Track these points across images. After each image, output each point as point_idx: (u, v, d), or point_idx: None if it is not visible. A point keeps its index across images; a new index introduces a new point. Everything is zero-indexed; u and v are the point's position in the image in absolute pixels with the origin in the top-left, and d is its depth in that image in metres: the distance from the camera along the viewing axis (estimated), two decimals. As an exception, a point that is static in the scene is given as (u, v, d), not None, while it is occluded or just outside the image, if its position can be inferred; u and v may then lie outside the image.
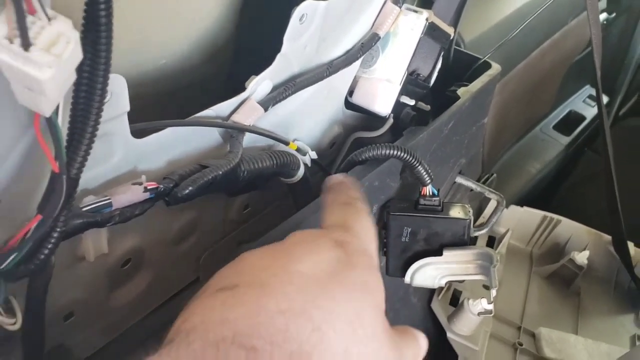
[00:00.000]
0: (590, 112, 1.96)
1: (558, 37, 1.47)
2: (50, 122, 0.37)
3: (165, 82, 0.63)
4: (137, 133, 0.53)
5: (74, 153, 0.40)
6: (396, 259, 0.78)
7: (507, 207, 1.26)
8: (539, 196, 1.71)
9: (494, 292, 0.72)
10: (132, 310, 0.63)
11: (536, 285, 1.21)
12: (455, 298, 1.09)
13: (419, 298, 1.04)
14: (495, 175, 1.21)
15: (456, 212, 0.75)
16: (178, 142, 0.58)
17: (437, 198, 0.75)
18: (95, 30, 0.36)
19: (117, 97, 0.47)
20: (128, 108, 0.49)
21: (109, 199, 0.51)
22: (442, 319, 1.03)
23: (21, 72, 0.32)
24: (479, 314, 0.93)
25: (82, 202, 0.50)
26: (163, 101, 0.63)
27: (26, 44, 0.31)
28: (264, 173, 0.64)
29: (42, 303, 0.48)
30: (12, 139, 0.40)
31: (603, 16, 1.80)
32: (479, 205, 1.19)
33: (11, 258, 0.40)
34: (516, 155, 1.68)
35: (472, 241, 1.19)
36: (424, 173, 0.73)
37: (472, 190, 1.06)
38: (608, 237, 1.22)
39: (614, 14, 1.85)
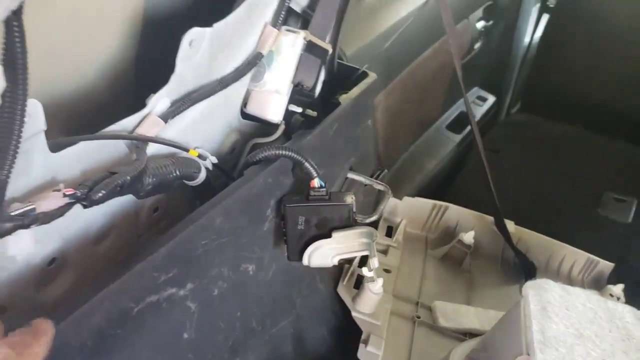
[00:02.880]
0: (478, 111, 2.17)
1: (438, 46, 1.65)
2: (-20, 137, 0.47)
3: (77, 104, 0.72)
4: (54, 147, 0.63)
5: (2, 162, 0.49)
6: (295, 245, 0.90)
7: (400, 199, 1.41)
8: (436, 189, 1.88)
9: (374, 261, 0.84)
10: (60, 308, 0.71)
11: (432, 266, 1.36)
12: (358, 282, 1.22)
13: (325, 284, 1.16)
14: (386, 170, 1.36)
15: (341, 199, 0.88)
16: (90, 154, 0.68)
17: (324, 189, 0.87)
18: (13, 65, 0.46)
19: (34, 118, 0.57)
20: (44, 127, 0.59)
21: (33, 205, 0.60)
22: (347, 300, 1.15)
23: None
24: (367, 281, 1.04)
25: (10, 208, 0.59)
26: (75, 120, 0.73)
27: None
28: (168, 177, 0.74)
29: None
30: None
31: (481, 24, 2.01)
32: (376, 199, 1.33)
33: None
34: (413, 154, 1.84)
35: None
36: (311, 168, 0.85)
37: (365, 185, 1.20)
38: (491, 218, 1.39)
39: (491, 21, 2.06)
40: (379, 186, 1.09)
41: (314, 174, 0.86)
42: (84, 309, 0.60)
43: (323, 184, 0.87)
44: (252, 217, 0.84)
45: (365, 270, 0.87)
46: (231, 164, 0.94)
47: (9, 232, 0.58)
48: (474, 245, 1.36)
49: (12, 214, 0.58)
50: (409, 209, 1.41)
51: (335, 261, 0.89)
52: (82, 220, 0.70)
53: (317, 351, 1.10)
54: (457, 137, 2.00)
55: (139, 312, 0.68)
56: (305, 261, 0.89)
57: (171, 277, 0.71)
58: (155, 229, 0.84)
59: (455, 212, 1.41)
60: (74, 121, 0.72)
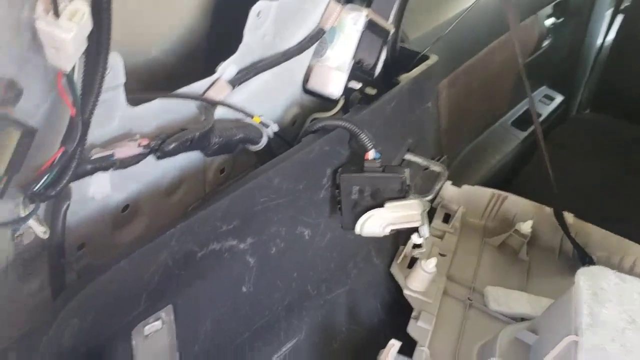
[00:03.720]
0: (545, 109, 2.14)
1: (505, 39, 1.65)
2: (69, 77, 0.54)
3: (153, 65, 0.80)
4: (133, 102, 0.70)
5: (86, 102, 0.56)
6: (348, 214, 0.94)
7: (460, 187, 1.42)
8: (498, 185, 1.88)
9: (424, 229, 0.88)
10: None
11: (487, 254, 1.37)
12: (411, 264, 1.25)
13: (381, 261, 1.20)
14: (445, 156, 1.38)
15: (395, 171, 0.92)
16: (164, 112, 0.75)
17: (379, 160, 0.91)
18: (99, 12, 0.52)
19: (115, 71, 0.64)
20: (124, 80, 0.66)
21: (112, 151, 0.67)
22: (400, 278, 1.18)
23: (52, 34, 0.48)
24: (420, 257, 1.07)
25: (91, 153, 0.66)
26: (153, 82, 0.80)
27: (56, 14, 0.48)
28: (232, 139, 0.81)
29: (63, 225, 0.64)
30: (44, 93, 0.56)
31: (551, 21, 1.99)
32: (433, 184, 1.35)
33: (44, 179, 0.57)
34: (477, 148, 1.84)
35: (430, 215, 1.36)
36: (366, 140, 0.90)
37: (424, 169, 1.23)
38: (550, 209, 1.38)
39: (562, 18, 2.04)
40: (436, 167, 1.12)
41: (369, 145, 0.90)
42: (154, 244, 0.67)
43: (378, 156, 0.91)
44: (308, 183, 0.89)
45: (415, 237, 0.90)
46: (292, 136, 1.00)
47: (89, 173, 0.66)
48: (531, 235, 1.36)
49: (93, 157, 0.66)
50: (467, 197, 1.42)
51: (387, 231, 0.93)
52: (155, 172, 0.77)
53: (369, 322, 1.14)
54: (522, 134, 1.99)
55: (202, 258, 0.75)
56: (357, 229, 0.93)
57: (232, 228, 0.77)
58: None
59: (513, 202, 1.41)
60: (150, 81, 0.79)
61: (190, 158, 0.81)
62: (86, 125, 0.57)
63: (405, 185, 0.91)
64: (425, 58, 1.13)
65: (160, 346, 0.75)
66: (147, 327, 0.72)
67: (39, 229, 0.59)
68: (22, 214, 0.57)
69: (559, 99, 2.25)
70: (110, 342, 0.67)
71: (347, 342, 1.08)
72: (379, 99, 0.99)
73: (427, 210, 0.89)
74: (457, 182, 1.41)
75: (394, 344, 0.96)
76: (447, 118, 1.54)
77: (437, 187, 1.11)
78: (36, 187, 0.57)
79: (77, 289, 0.60)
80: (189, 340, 0.79)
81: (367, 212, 0.92)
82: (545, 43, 1.99)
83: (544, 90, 2.23)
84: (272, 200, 0.83)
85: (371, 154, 0.91)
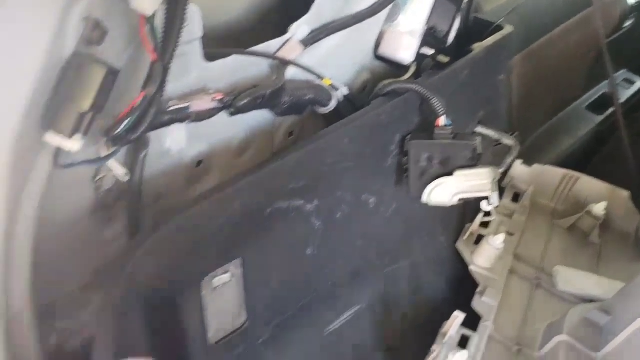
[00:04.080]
0: (624, 94, 2.04)
1: (582, 17, 1.59)
2: (150, 22, 0.55)
3: (229, 23, 0.81)
4: (209, 57, 0.71)
5: (166, 48, 0.58)
6: (416, 182, 0.93)
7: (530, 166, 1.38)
8: (570, 169, 1.81)
9: (494, 196, 0.86)
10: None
11: (557, 235, 1.32)
12: (478, 241, 1.22)
13: (446, 238, 1.19)
14: (517, 132, 1.34)
15: (465, 139, 0.90)
16: (237, 68, 0.76)
17: (450, 127, 0.90)
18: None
19: (193, 24, 0.65)
20: (201, 34, 0.67)
21: (187, 103, 0.69)
22: (466, 254, 1.17)
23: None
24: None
25: (168, 105, 0.68)
26: (228, 39, 0.81)
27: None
28: (302, 99, 0.81)
29: (141, 172, 0.66)
30: (126, 38, 0.58)
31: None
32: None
33: (125, 123, 0.59)
34: (549, 131, 1.78)
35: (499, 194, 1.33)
36: (438, 105, 0.88)
37: (495, 145, 1.20)
38: (626, 192, 1.33)
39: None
40: (508, 140, 1.09)
41: (441, 111, 0.88)
42: (223, 195, 0.68)
43: (449, 123, 0.90)
44: (376, 148, 0.88)
45: (484, 204, 0.88)
46: (361, 102, 0.99)
47: (166, 124, 0.68)
48: (604, 218, 1.31)
49: (170, 108, 0.68)
50: (538, 177, 1.38)
51: (455, 200, 0.91)
52: (227, 130, 0.79)
53: (431, 296, 1.13)
54: (598, 119, 1.91)
55: (269, 215, 0.76)
56: (424, 198, 0.92)
57: (299, 188, 0.78)
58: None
59: (586, 183, 1.36)
60: (225, 38, 0.81)
61: (260, 118, 0.82)
62: (166, 71, 0.59)
63: (477, 153, 0.90)
64: (499, 28, 1.10)
65: (229, 298, 0.77)
66: (216, 279, 0.74)
67: (119, 170, 0.61)
68: (104, 155, 0.59)
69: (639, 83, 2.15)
70: (181, 289, 0.69)
71: (410, 312, 1.08)
72: (452, 66, 0.97)
73: (497, 179, 0.87)
74: (528, 164, 1.38)
75: (458, 316, 0.95)
76: (519, 96, 1.50)
77: (508, 160, 1.08)
78: (117, 130, 0.59)
79: (152, 232, 0.62)
80: (255, 296, 0.80)
81: (436, 180, 0.91)
82: (628, 23, 1.90)
83: (623, 74, 2.13)
84: (340, 163, 0.83)
85: (442, 120, 0.89)
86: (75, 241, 0.65)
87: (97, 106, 0.52)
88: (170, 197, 0.75)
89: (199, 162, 0.78)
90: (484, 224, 1.23)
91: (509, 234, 1.28)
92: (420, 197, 0.93)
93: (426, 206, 0.94)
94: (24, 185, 0.53)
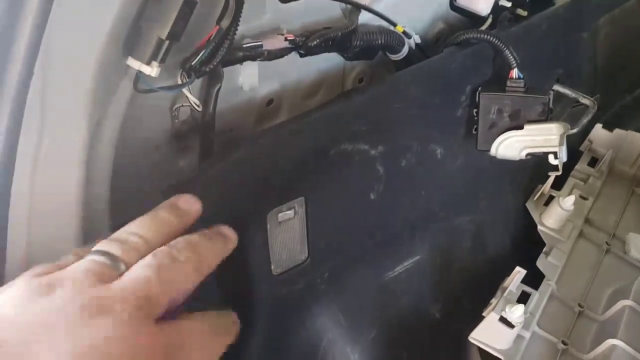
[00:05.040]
0: None
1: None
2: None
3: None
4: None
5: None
6: (484, 134, 0.92)
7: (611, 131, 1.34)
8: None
9: (562, 150, 0.84)
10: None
11: (635, 203, 1.28)
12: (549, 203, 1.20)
13: (514, 195, 1.18)
14: (599, 95, 1.29)
15: (538, 92, 0.89)
16: (311, 10, 0.78)
17: (522, 80, 0.89)
18: None
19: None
20: (277, -25, 0.70)
21: (260, 42, 0.72)
22: (535, 214, 1.15)
23: None
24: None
25: (242, 42, 0.71)
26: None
27: None
28: (373, 43, 0.82)
29: (214, 105, 0.70)
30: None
31: None
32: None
33: (200, 55, 0.62)
34: (635, 101, 1.70)
35: (577, 156, 1.30)
36: (511, 57, 0.87)
37: (573, 107, 1.17)
38: None
39: None
40: (585, 100, 1.06)
41: (514, 63, 0.87)
42: (287, 130, 0.71)
43: (521, 76, 0.88)
44: (446, 97, 0.88)
45: (551, 158, 0.87)
46: (434, 52, 0.99)
47: (239, 60, 0.71)
48: (688, 189, 1.25)
49: (244, 46, 0.71)
50: (619, 142, 1.33)
51: (523, 155, 0.90)
52: (297, 71, 0.82)
53: (494, 253, 1.13)
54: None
55: (333, 156, 0.78)
56: (493, 151, 0.92)
57: (364, 130, 0.79)
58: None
59: (672, 152, 1.31)
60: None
61: (330, 61, 0.84)
62: (240, 5, 0.61)
63: (548, 107, 0.88)
64: (586, -18, 1.06)
65: (292, 234, 0.80)
66: (280, 215, 0.77)
67: (193, 99, 0.65)
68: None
69: None
70: (247, 220, 0.73)
71: (470, 267, 1.08)
72: (529, 19, 0.95)
73: (567, 133, 0.85)
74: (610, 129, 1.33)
75: (520, 271, 0.95)
76: (604, 60, 1.44)
77: (584, 120, 1.05)
78: (193, 62, 0.62)
79: (216, 161, 0.66)
80: (317, 235, 0.83)
81: (505, 133, 0.90)
82: None
83: None
84: (406, 110, 0.83)
85: (515, 73, 0.88)
86: (152, 167, 0.70)
87: (174, 34, 0.55)
88: (241, 132, 0.79)
89: (270, 101, 0.81)
90: (557, 186, 1.20)
91: (583, 197, 1.25)
92: (488, 150, 0.93)
93: (495, 162, 0.94)
94: (107, 107, 0.58)
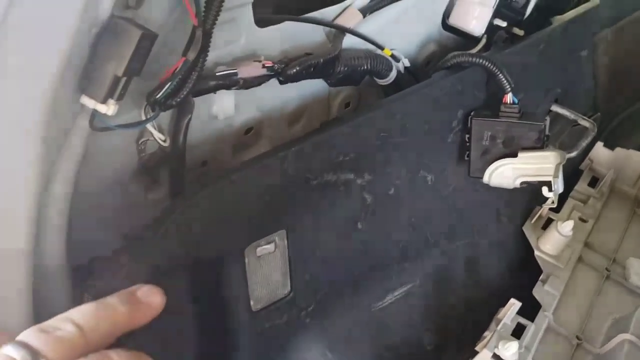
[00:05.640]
0: None
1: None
2: (193, -14, 0.54)
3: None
4: (260, 23, 0.69)
5: (208, 12, 0.56)
6: (477, 161, 0.88)
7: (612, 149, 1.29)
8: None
9: (557, 182, 0.80)
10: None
11: (637, 226, 1.23)
12: (546, 226, 1.16)
13: (509, 219, 1.13)
14: (599, 114, 1.25)
15: (533, 119, 0.84)
16: (290, 35, 0.74)
17: (517, 106, 0.84)
18: None
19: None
20: (252, -1, 0.65)
21: (235, 69, 0.68)
22: (532, 239, 1.11)
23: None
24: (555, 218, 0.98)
25: (216, 70, 0.67)
26: (281, 4, 0.79)
27: None
28: (359, 69, 0.78)
29: (184, 137, 0.66)
30: (169, 2, 0.57)
31: None
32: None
33: (165, 88, 0.58)
34: (637, 114, 1.65)
35: (576, 176, 1.25)
36: (504, 81, 0.83)
37: (573, 126, 1.13)
38: None
39: None
40: (584, 122, 1.01)
41: (508, 87, 0.83)
42: (268, 161, 0.67)
43: (516, 100, 0.84)
44: (436, 123, 0.84)
45: (545, 190, 0.82)
46: (424, 75, 0.95)
47: (212, 89, 0.67)
48: (695, 210, 1.21)
49: (217, 74, 0.66)
50: (620, 161, 1.29)
51: (518, 183, 0.86)
52: (279, 97, 0.77)
53: (489, 280, 1.09)
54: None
55: (316, 187, 0.74)
56: (485, 178, 0.88)
57: (349, 160, 0.75)
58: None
59: (675, 172, 1.26)
60: (277, 3, 0.78)
61: (314, 87, 0.80)
62: (207, 36, 0.57)
63: (544, 135, 0.84)
64: (584, 0, 1.01)
65: (272, 268, 0.76)
66: (259, 249, 0.73)
67: (157, 135, 0.61)
68: (143, 118, 0.59)
69: None
70: (222, 256, 0.69)
71: (463, 295, 1.04)
72: (526, 40, 0.91)
73: (563, 163, 0.81)
74: (610, 147, 1.28)
75: (514, 303, 0.91)
76: (605, 75, 1.39)
77: (583, 144, 1.01)
78: (158, 95, 0.58)
79: (192, 194, 0.62)
80: (301, 267, 0.79)
81: (498, 161, 0.86)
82: None
83: None
84: (394, 137, 0.79)
85: (509, 98, 0.84)
86: (118, 203, 0.66)
87: (132, 70, 0.51)
88: (217, 163, 0.75)
89: (249, 129, 0.77)
90: (555, 208, 1.16)
91: (582, 220, 1.20)
92: (480, 177, 0.88)
93: (489, 186, 0.90)
94: (62, 146, 0.54)
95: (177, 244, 0.52)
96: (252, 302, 0.76)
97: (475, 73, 0.84)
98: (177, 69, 0.57)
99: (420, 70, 0.92)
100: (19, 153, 0.47)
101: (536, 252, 1.09)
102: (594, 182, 1.30)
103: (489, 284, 1.08)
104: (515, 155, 0.85)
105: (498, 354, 0.83)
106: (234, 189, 0.66)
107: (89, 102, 0.51)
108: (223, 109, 0.71)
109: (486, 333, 0.91)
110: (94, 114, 0.53)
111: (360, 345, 0.92)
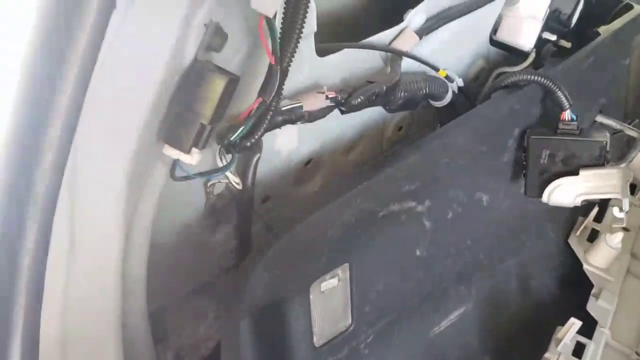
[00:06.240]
0: None
1: None
2: (270, 23, 0.51)
3: (339, 15, 0.76)
4: (320, 52, 0.67)
5: (285, 49, 0.53)
6: (534, 180, 0.86)
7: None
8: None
9: (626, 202, 0.78)
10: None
11: (679, 232, 1.21)
12: (592, 236, 1.14)
13: (556, 233, 1.11)
14: (637, 120, 1.23)
15: (593, 135, 0.82)
16: (349, 63, 0.71)
17: (575, 122, 0.82)
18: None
19: (308, 19, 0.61)
20: (315, 28, 0.63)
21: (300, 102, 0.65)
22: (579, 252, 1.08)
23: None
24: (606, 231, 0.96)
25: (281, 104, 0.64)
26: (338, 32, 0.76)
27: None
28: (418, 93, 0.75)
29: (253, 177, 0.63)
30: (242, 39, 0.54)
31: None
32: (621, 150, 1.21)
33: (240, 130, 0.55)
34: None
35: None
36: (563, 98, 0.80)
37: (614, 132, 1.10)
38: None
39: None
40: (631, 132, 0.99)
41: (566, 104, 0.81)
42: (339, 202, 0.64)
43: (574, 117, 0.82)
44: (493, 144, 0.82)
45: (615, 211, 0.80)
46: (474, 93, 0.93)
47: (278, 125, 0.64)
48: None
49: (283, 109, 0.64)
50: (657, 167, 1.27)
51: (579, 202, 0.84)
52: (337, 128, 0.75)
53: (540, 296, 1.06)
54: None
55: (382, 218, 0.71)
56: (544, 198, 0.85)
57: (413, 189, 0.73)
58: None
59: None
60: (335, 31, 0.76)
61: (371, 114, 0.78)
62: (284, 75, 0.55)
63: (605, 151, 0.81)
64: (629, 7, 0.99)
65: (335, 303, 0.74)
66: (324, 284, 0.71)
67: (234, 179, 0.58)
68: (220, 164, 0.56)
69: None
70: (291, 296, 0.67)
71: (517, 313, 1.02)
72: (577, 53, 0.88)
73: (630, 181, 0.79)
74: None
75: (575, 322, 0.88)
76: (637, 79, 1.37)
77: (632, 155, 0.98)
78: (232, 137, 0.56)
79: (268, 246, 0.59)
80: (361, 299, 0.77)
81: (559, 180, 0.83)
82: None
83: None
84: (454, 162, 0.77)
85: (567, 114, 0.82)
86: (186, 246, 0.64)
87: (218, 117, 0.49)
88: (279, 198, 0.72)
89: (309, 161, 0.74)
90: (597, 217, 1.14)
91: (626, 229, 1.18)
92: (538, 196, 0.86)
93: (536, 200, 0.87)
94: (141, 196, 0.51)
95: (258, 294, 0.50)
96: (315, 339, 0.73)
97: (532, 90, 0.82)
98: (253, 111, 0.55)
99: (469, 86, 0.89)
100: (102, 215, 0.45)
101: (585, 266, 1.06)
102: (633, 189, 1.28)
103: (541, 299, 1.06)
104: (576, 173, 0.82)
105: (562, 377, 0.80)
106: (305, 235, 0.63)
107: (172, 153, 0.48)
108: (286, 143, 0.68)
109: (547, 355, 0.89)
110: (176, 163, 0.50)
111: (419, 374, 0.90)
